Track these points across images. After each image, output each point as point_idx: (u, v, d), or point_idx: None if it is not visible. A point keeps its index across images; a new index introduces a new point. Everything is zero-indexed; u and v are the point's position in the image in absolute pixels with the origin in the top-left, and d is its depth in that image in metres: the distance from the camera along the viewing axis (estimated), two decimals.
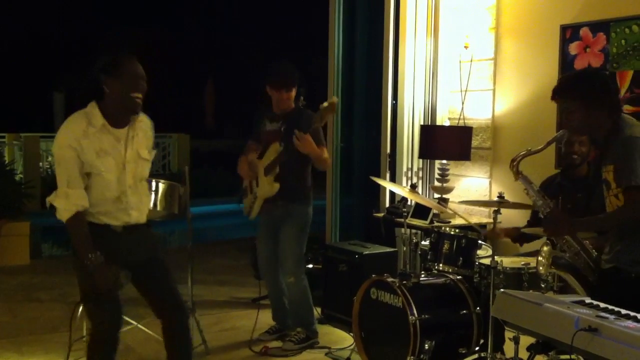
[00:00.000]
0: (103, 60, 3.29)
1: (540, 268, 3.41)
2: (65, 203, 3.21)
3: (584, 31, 4.94)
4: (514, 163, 3.41)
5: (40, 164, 12.10)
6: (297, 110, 4.73)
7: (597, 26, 4.85)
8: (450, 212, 5.09)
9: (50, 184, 11.29)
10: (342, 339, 4.99)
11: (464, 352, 3.99)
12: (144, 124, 3.45)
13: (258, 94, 4.79)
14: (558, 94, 3.19)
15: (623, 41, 4.69)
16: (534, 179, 3.50)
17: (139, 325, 4.65)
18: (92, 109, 3.28)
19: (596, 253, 3.30)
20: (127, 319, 3.91)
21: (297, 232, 4.72)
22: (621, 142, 2.98)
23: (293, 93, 4.72)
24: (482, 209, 5.47)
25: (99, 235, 3.28)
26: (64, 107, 16.77)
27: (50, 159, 12.46)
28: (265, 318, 5.10)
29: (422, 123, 6.00)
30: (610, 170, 3.01)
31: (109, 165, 3.29)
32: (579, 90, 3.10)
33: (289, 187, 4.58)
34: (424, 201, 4.87)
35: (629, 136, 2.97)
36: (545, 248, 3.40)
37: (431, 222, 5.04)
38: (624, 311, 2.52)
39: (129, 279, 3.31)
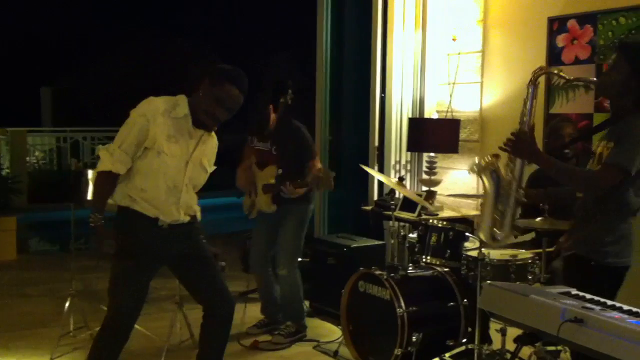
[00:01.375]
0: (219, 67, 3.36)
1: (474, 167, 3.34)
2: (108, 157, 3.27)
3: (571, 23, 4.94)
4: (540, 71, 3.26)
5: (28, 158, 12.01)
6: (281, 126, 4.71)
7: (585, 18, 4.85)
8: (430, 207, 5.08)
9: (37, 178, 11.28)
10: (331, 331, 4.99)
11: (451, 344, 4.00)
12: (214, 139, 3.53)
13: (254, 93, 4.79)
14: (619, 46, 3.14)
15: (610, 33, 4.70)
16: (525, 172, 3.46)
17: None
18: (182, 99, 3.36)
19: (521, 195, 3.25)
20: None
21: (295, 226, 4.75)
22: (633, 124, 2.96)
23: (272, 114, 4.70)
24: (469, 201, 5.47)
25: (145, 227, 3.33)
26: (52, 102, 16.69)
27: (37, 153, 12.39)
28: (253, 312, 5.09)
29: (410, 116, 6.00)
30: (610, 147, 2.99)
31: (174, 151, 3.32)
32: (637, 56, 3.04)
33: (288, 199, 4.59)
34: (410, 195, 4.86)
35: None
36: (492, 158, 3.32)
37: (419, 214, 5.04)
38: (609, 302, 2.53)
39: (112, 249, 3.32)
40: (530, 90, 3.25)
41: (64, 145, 12.53)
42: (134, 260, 3.33)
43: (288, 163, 4.59)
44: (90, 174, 4.46)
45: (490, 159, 3.29)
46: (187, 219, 3.46)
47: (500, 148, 3.22)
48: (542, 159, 3.19)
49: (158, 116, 3.27)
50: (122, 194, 3.34)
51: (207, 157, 3.50)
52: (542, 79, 4.90)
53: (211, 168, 3.56)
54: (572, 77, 3.32)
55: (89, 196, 4.44)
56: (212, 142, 3.52)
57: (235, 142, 4.99)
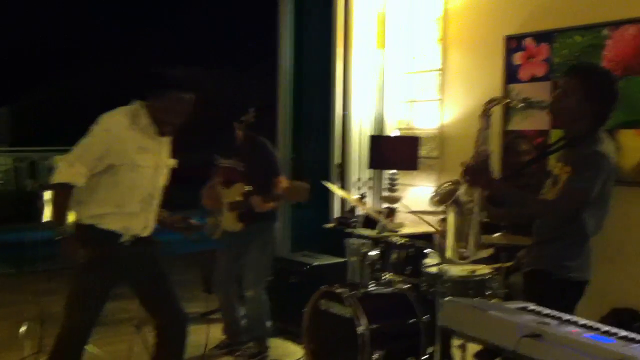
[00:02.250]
0: (160, 76, 3.35)
1: (436, 197, 3.38)
2: (66, 168, 3.22)
3: (528, 41, 5.01)
4: (491, 103, 3.33)
5: None
6: (246, 143, 4.70)
7: (541, 37, 4.93)
8: (390, 224, 5.09)
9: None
10: (293, 351, 4.95)
11: None
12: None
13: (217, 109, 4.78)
14: (573, 71, 3.16)
15: (566, 51, 4.78)
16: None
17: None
18: (139, 109, 3.34)
19: (486, 219, 3.29)
20: None
21: (262, 247, 4.72)
22: (589, 154, 3.00)
23: (237, 131, 4.69)
24: (430, 217, 5.48)
25: (109, 245, 3.31)
26: (9, 121, 16.45)
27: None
28: (215, 333, 5.02)
29: (371, 133, 6.02)
30: (567, 172, 3.02)
31: (148, 161, 3.33)
32: (592, 82, 3.07)
33: (254, 216, 4.56)
34: (371, 213, 4.87)
35: (598, 151, 3.00)
36: (450, 185, 3.37)
37: (380, 231, 5.04)
38: (566, 316, 2.55)
39: (84, 259, 3.28)
40: (484, 120, 3.30)
41: (21, 165, 12.34)
42: (98, 277, 3.29)
43: (255, 179, 4.56)
44: (45, 195, 4.39)
45: (448, 185, 3.32)
46: (152, 226, 3.47)
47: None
48: (500, 188, 3.24)
49: (123, 131, 3.26)
50: (89, 214, 3.31)
51: (168, 154, 3.54)
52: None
53: (172, 162, 3.58)
54: (522, 104, 3.38)
55: (45, 218, 4.37)
56: (168, 139, 3.54)
57: (196, 161, 4.95)
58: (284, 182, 4.67)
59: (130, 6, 21.70)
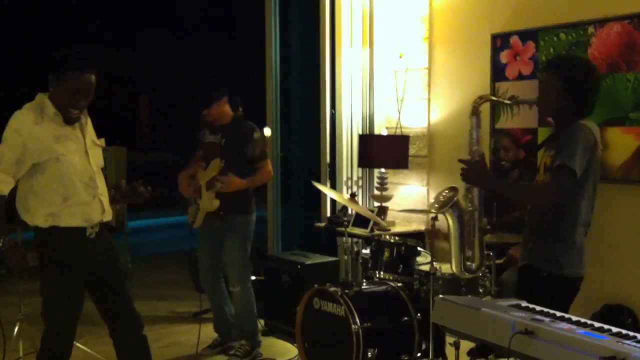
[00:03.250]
0: (54, 61, 3.29)
1: (436, 205, 3.41)
2: None
3: (514, 40, 5.06)
4: (479, 101, 3.35)
5: None
6: (235, 122, 4.73)
7: (527, 35, 4.98)
8: (384, 222, 5.14)
9: None
10: (286, 350, 4.98)
11: (406, 358, 4.02)
12: (86, 116, 3.48)
13: (195, 109, 4.78)
14: (549, 64, 3.22)
15: (551, 49, 4.83)
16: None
17: (78, 344, 4.54)
18: (43, 98, 3.29)
19: (485, 223, 3.33)
20: None
21: (239, 241, 4.72)
22: (567, 134, 3.05)
23: (223, 104, 4.71)
24: (420, 216, 5.54)
25: (72, 241, 3.30)
26: None
27: None
28: (207, 332, 5.05)
29: (360, 132, 6.06)
30: (551, 155, 3.08)
31: (70, 149, 3.29)
32: (570, 74, 3.11)
33: (230, 198, 4.57)
34: (362, 211, 4.90)
35: (576, 129, 3.04)
36: (448, 192, 3.39)
37: (371, 230, 5.08)
38: (559, 313, 2.59)
39: (37, 261, 3.28)
40: (473, 120, 3.35)
41: None
42: (71, 276, 3.30)
43: (232, 155, 4.56)
44: None
45: (447, 193, 3.36)
46: (110, 212, 3.46)
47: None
48: (496, 184, 3.29)
49: (32, 127, 3.22)
50: (43, 216, 3.29)
51: (93, 134, 3.50)
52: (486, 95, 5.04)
53: (102, 142, 3.55)
54: (510, 102, 3.42)
55: None
56: (88, 119, 3.49)
57: (178, 160, 4.97)
58: (268, 165, 4.73)
59: (122, 11, 21.62)
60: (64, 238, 3.29)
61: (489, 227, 3.34)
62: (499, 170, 4.50)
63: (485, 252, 3.39)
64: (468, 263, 3.33)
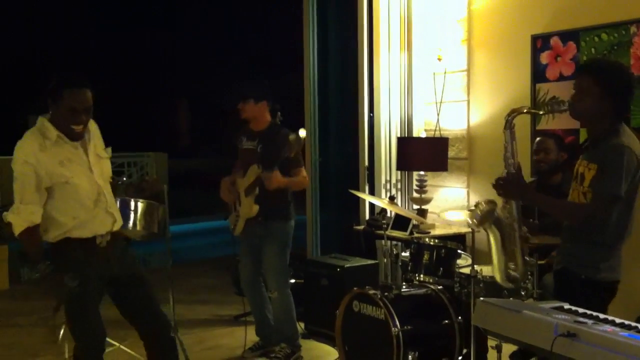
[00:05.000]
0: (49, 85, 3.36)
1: (474, 220, 3.37)
2: (16, 219, 3.31)
3: (555, 40, 5.01)
4: (512, 114, 3.31)
5: None
6: (272, 129, 4.75)
7: (567, 35, 4.93)
8: (426, 221, 5.13)
9: None
10: (326, 353, 4.99)
11: None
12: (92, 126, 3.54)
13: (231, 114, 4.81)
14: (585, 70, 3.16)
15: (593, 49, 4.77)
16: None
17: (122, 346, 4.62)
18: (44, 123, 3.37)
19: (525, 231, 3.30)
20: (109, 340, 3.89)
21: (278, 248, 4.74)
22: (612, 148, 3.00)
23: (264, 105, 4.74)
24: (460, 219, 5.50)
25: (84, 251, 3.37)
26: None
27: None
28: (249, 335, 5.08)
29: (398, 135, 6.05)
30: (592, 169, 3.02)
31: (76, 171, 3.37)
32: (606, 78, 3.05)
33: (269, 204, 4.60)
34: (403, 212, 4.90)
35: (621, 144, 2.99)
36: (486, 204, 3.34)
37: (411, 233, 5.07)
38: (602, 315, 2.56)
39: (49, 268, 3.38)
40: (507, 134, 3.30)
41: None
42: (82, 290, 3.36)
43: (269, 161, 4.52)
44: None
45: (485, 206, 3.33)
46: (120, 220, 3.53)
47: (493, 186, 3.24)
48: (534, 198, 3.26)
49: (38, 155, 3.29)
50: (56, 234, 3.38)
51: (99, 147, 3.55)
52: (525, 100, 5.02)
53: (108, 153, 3.60)
54: (544, 111, 3.39)
55: None
56: (93, 132, 3.53)
57: (219, 166, 5.02)
58: (303, 172, 4.71)
59: (161, 15, 21.88)
60: (72, 248, 3.38)
61: (529, 235, 3.31)
62: (538, 172, 4.45)
63: (528, 259, 3.35)
64: (511, 272, 3.30)
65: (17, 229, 3.31)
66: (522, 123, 5.06)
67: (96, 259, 3.40)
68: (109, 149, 3.61)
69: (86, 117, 3.38)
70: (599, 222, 3.02)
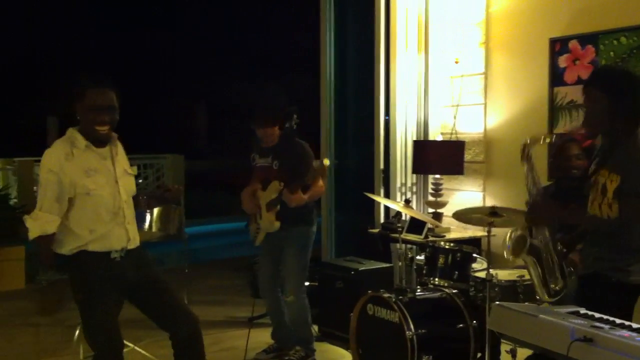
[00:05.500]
0: (73, 86, 3.41)
1: (506, 253, 3.37)
2: (33, 224, 3.36)
3: (573, 44, 4.98)
4: (527, 146, 3.34)
5: (35, 188, 12.03)
6: (284, 142, 4.73)
7: (586, 38, 4.90)
8: (441, 225, 5.11)
9: None
10: (340, 356, 4.98)
11: None
12: (118, 144, 3.57)
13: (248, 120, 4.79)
14: (588, 82, 3.15)
15: (612, 53, 4.74)
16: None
17: (136, 348, 4.64)
18: (73, 132, 3.41)
19: (560, 247, 3.29)
20: (124, 341, 3.90)
21: (298, 252, 4.73)
22: (631, 154, 2.97)
23: (276, 128, 4.73)
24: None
25: (99, 264, 3.40)
26: (58, 131, 16.76)
27: None
28: (262, 337, 5.09)
29: (414, 138, 6.03)
30: (614, 180, 2.98)
31: (100, 183, 3.39)
32: (608, 83, 3.05)
33: (290, 211, 4.59)
34: (418, 215, 4.88)
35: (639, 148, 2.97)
36: (517, 233, 3.36)
37: (426, 236, 5.05)
38: (618, 320, 2.53)
39: (56, 277, 3.43)
40: (525, 165, 3.35)
41: None
42: (96, 299, 3.39)
43: (288, 176, 4.54)
44: None
45: (515, 235, 3.33)
46: (137, 238, 3.55)
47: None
48: (563, 217, 3.23)
49: (64, 164, 3.33)
50: (72, 247, 3.41)
51: (125, 163, 3.58)
52: (543, 104, 4.98)
53: (134, 170, 3.63)
54: (555, 139, 3.39)
55: None
56: (120, 149, 3.58)
57: (235, 167, 5.02)
58: (319, 180, 4.67)
59: (177, 16, 21.95)
60: (87, 259, 3.39)
61: (565, 250, 3.30)
62: (568, 177, 4.38)
63: (566, 271, 3.34)
64: (552, 286, 3.29)
65: (32, 234, 3.37)
66: (540, 125, 5.04)
67: (111, 272, 3.42)
68: (135, 168, 3.65)
69: (110, 118, 3.40)
70: (631, 226, 2.99)
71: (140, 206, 3.69)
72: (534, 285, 3.37)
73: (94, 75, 3.43)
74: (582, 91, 3.17)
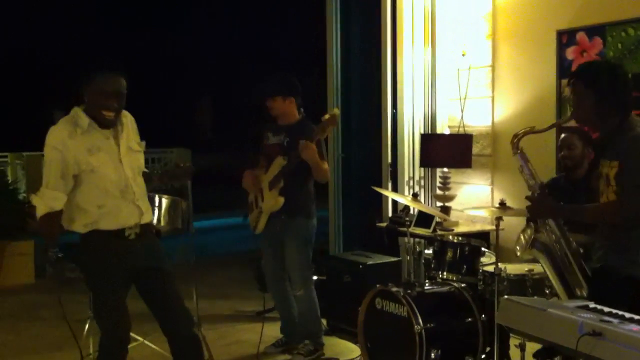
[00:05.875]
0: (83, 71, 3.42)
1: (517, 248, 3.38)
2: (39, 202, 3.36)
3: (580, 36, 4.96)
4: (515, 139, 3.34)
5: None
6: (300, 122, 4.74)
7: (593, 30, 4.87)
8: (449, 218, 5.10)
9: None
10: (349, 349, 4.98)
11: None
12: (127, 118, 3.57)
13: (257, 109, 4.80)
14: (573, 77, 3.16)
15: (619, 44, 4.71)
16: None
17: (145, 342, 4.65)
18: (77, 112, 3.42)
19: (576, 245, 3.28)
20: (133, 335, 3.91)
21: (300, 245, 4.73)
22: (629, 140, 2.97)
23: (292, 102, 4.73)
24: (485, 216, 5.46)
25: (112, 243, 3.40)
26: None
27: None
28: (271, 331, 5.09)
29: (422, 132, 6.02)
30: (614, 167, 2.99)
31: (103, 160, 3.40)
32: (593, 78, 3.06)
33: (291, 201, 4.59)
34: (427, 209, 4.87)
35: (635, 135, 2.97)
36: (528, 230, 3.37)
37: (434, 230, 5.04)
38: (628, 314, 2.52)
39: (76, 272, 3.49)
40: (518, 157, 3.34)
41: None
42: (105, 280, 3.40)
43: (295, 155, 4.48)
44: None
45: (525, 234, 3.33)
46: (150, 213, 3.56)
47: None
48: (566, 212, 3.23)
49: (67, 141, 3.33)
50: (83, 223, 3.41)
51: (133, 139, 3.57)
52: (551, 96, 4.95)
53: (142, 146, 3.62)
54: (546, 127, 3.36)
55: None
56: (128, 124, 3.56)
57: (239, 162, 5.02)
58: (325, 165, 4.61)
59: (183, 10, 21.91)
60: (101, 240, 3.40)
61: (581, 249, 3.29)
62: (563, 167, 4.40)
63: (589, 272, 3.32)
64: (576, 290, 3.27)
65: (39, 212, 3.37)
66: (548, 117, 5.02)
67: (123, 251, 3.42)
68: (143, 143, 3.64)
69: (117, 104, 3.40)
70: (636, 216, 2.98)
71: (153, 181, 3.70)
72: (555, 289, 3.35)
73: (106, 58, 3.45)
74: (570, 87, 3.18)
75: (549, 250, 3.28)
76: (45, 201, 3.35)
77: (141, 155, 3.62)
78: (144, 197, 3.56)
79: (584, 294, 3.22)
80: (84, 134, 3.37)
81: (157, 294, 3.57)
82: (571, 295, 3.27)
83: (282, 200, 4.59)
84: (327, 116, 4.28)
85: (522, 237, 3.37)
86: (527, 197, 3.28)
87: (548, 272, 3.36)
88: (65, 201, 3.38)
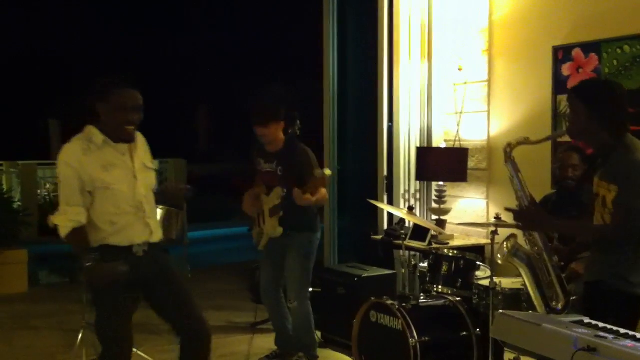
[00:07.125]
0: (96, 86, 3.42)
1: (499, 256, 3.39)
2: (62, 220, 3.34)
3: (576, 52, 4.99)
4: (509, 148, 3.36)
5: (38, 191, 12.07)
6: (288, 147, 4.73)
7: (589, 47, 4.90)
8: (442, 235, 5.10)
9: (48, 211, 11.29)
10: None
11: None
12: (139, 137, 3.59)
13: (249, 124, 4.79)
14: (571, 92, 3.20)
15: (615, 61, 4.74)
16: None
17: (138, 352, 4.63)
18: (90, 129, 3.42)
19: (557, 258, 3.29)
20: None
21: (301, 258, 4.72)
22: (629, 164, 2.98)
23: (275, 128, 4.69)
24: (480, 230, 5.48)
25: (119, 258, 3.38)
26: (60, 134, 16.80)
27: (47, 186, 12.45)
28: (265, 343, 5.09)
29: (418, 145, 6.04)
30: (613, 191, 2.99)
31: (118, 177, 3.40)
32: (588, 95, 3.09)
33: (293, 217, 4.59)
34: (422, 222, 4.88)
35: (634, 159, 2.98)
36: (511, 239, 3.38)
37: (429, 243, 5.05)
38: (622, 330, 2.53)
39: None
40: (509, 167, 3.36)
41: None
42: (110, 295, 3.38)
43: (292, 183, 4.53)
44: None
45: (508, 243, 3.34)
46: (159, 232, 3.55)
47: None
48: (555, 226, 3.25)
49: (81, 158, 3.34)
50: (94, 240, 3.41)
51: (146, 158, 3.59)
52: (546, 112, 4.98)
53: (155, 164, 3.65)
54: (541, 139, 3.39)
55: None
56: (140, 143, 3.58)
57: (238, 171, 5.03)
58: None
59: (181, 17, 21.92)
60: (109, 254, 3.38)
61: (562, 263, 3.30)
62: (566, 187, 4.40)
63: (568, 288, 3.33)
64: (553, 303, 3.28)
65: (64, 231, 3.34)
66: (544, 132, 5.03)
67: (131, 267, 3.40)
68: (156, 162, 3.66)
69: (137, 116, 3.43)
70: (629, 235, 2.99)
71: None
72: (533, 299, 3.36)
73: (119, 76, 3.45)
74: (567, 102, 3.21)
75: (529, 261, 3.29)
76: (70, 217, 3.33)
77: (154, 174, 3.63)
78: (155, 216, 3.57)
79: (560, 307, 3.25)
80: (99, 151, 3.38)
81: (168, 298, 3.56)
82: (547, 307, 3.29)
83: (281, 230, 4.62)
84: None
85: (505, 245, 3.38)
86: (511, 209, 3.27)
87: (527, 283, 3.36)
88: (86, 215, 3.37)
